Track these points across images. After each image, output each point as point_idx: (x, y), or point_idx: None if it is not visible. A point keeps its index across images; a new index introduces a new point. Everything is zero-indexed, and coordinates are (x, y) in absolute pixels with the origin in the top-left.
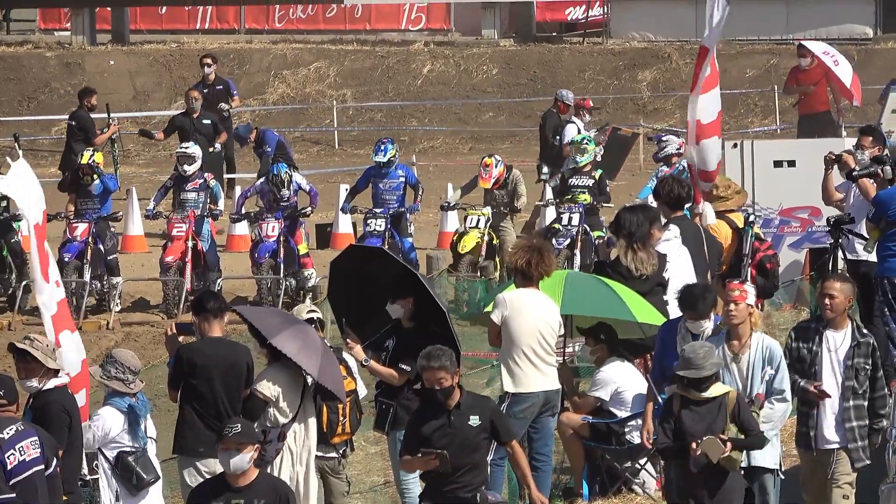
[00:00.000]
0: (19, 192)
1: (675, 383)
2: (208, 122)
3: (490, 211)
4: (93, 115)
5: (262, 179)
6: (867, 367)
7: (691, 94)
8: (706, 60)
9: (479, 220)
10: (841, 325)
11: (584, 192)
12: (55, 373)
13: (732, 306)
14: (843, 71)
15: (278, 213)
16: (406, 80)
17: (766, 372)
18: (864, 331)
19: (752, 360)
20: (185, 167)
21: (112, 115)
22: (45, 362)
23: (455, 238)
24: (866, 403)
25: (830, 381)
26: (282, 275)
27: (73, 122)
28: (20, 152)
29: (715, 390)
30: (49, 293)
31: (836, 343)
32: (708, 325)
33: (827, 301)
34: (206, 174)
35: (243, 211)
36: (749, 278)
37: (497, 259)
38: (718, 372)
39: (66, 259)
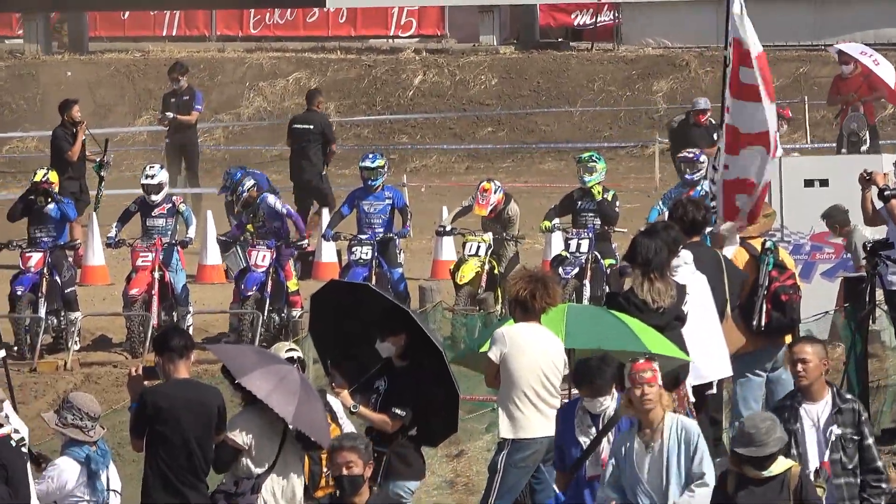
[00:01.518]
0: None
1: (730, 459)
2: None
3: (491, 237)
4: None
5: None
6: (854, 437)
7: (730, 94)
8: (752, 62)
9: (479, 247)
10: (819, 394)
11: (594, 216)
12: None
13: (645, 389)
14: (885, 71)
15: (272, 241)
16: (396, 92)
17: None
18: (847, 396)
19: (668, 445)
20: (152, 196)
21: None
22: None
23: (453, 267)
24: (858, 480)
25: (818, 460)
26: (265, 310)
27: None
28: None
29: (777, 467)
30: None
31: (818, 415)
32: (609, 404)
33: (799, 367)
34: (174, 198)
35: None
36: (764, 312)
37: (499, 290)
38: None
39: (19, 293)
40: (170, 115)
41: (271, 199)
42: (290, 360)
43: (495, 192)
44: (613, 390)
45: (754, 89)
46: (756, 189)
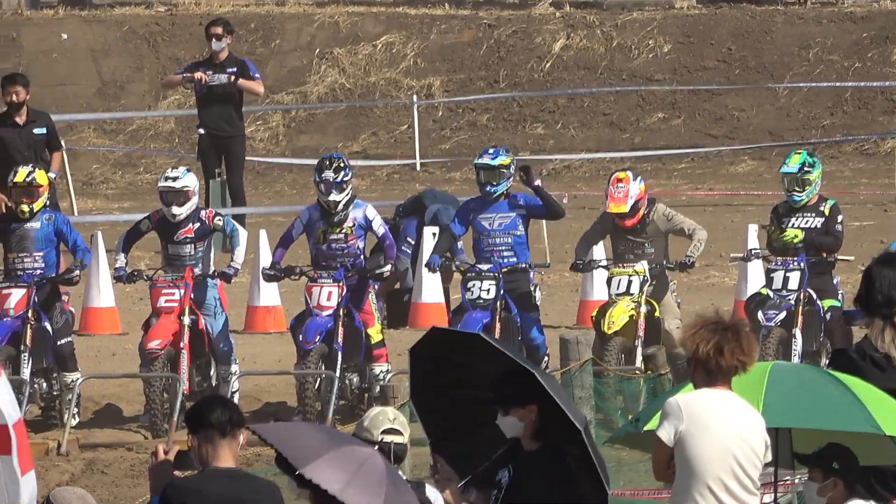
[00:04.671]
0: None
1: None
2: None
3: (647, 267)
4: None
5: (311, 206)
6: None
7: None
8: None
9: (630, 283)
10: None
11: (798, 234)
12: None
13: None
14: None
15: (339, 272)
16: (527, 63)
17: None
18: None
19: None
20: (174, 209)
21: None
22: None
23: (596, 313)
24: None
25: None
26: (338, 370)
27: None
28: None
29: None
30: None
31: None
32: None
33: None
34: (203, 212)
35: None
36: None
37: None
38: None
39: None
40: (212, 76)
41: (371, 211)
42: (381, 445)
43: (635, 181)
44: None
45: None
46: None
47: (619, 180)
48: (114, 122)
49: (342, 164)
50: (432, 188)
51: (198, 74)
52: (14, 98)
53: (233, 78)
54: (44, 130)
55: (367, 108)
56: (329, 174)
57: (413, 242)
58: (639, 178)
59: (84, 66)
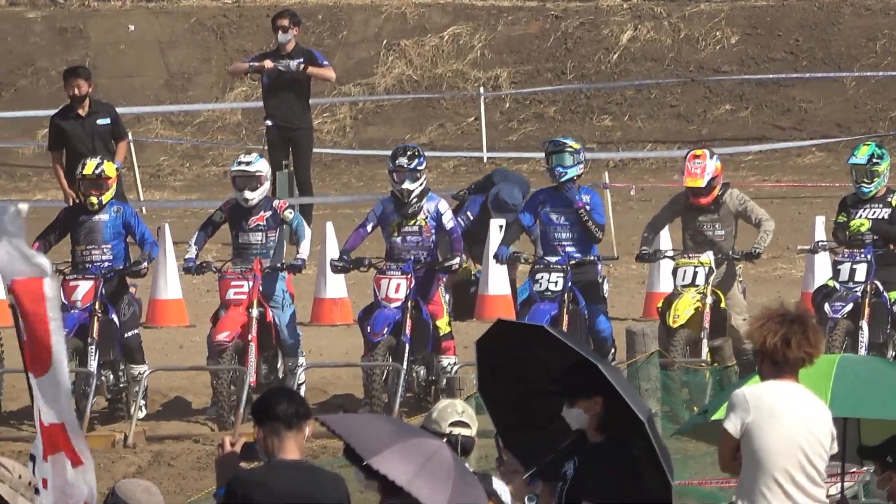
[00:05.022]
0: None
1: None
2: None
3: (712, 258)
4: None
5: (385, 198)
6: None
7: None
8: None
9: (696, 274)
10: None
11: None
12: None
13: None
14: None
15: (407, 264)
16: (594, 55)
17: None
18: None
19: None
20: (247, 193)
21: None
22: (11, 501)
23: (661, 304)
24: None
25: None
26: (405, 362)
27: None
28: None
29: None
30: (47, 390)
31: None
32: None
33: None
34: (276, 202)
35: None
36: None
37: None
38: None
39: None
40: (281, 62)
41: (444, 205)
42: (449, 437)
43: (711, 158)
44: None
45: None
46: None
47: (696, 156)
48: (181, 113)
49: (417, 153)
50: (504, 168)
51: (266, 63)
52: (76, 91)
53: (301, 66)
54: (108, 121)
55: (434, 100)
56: (403, 160)
57: (472, 218)
58: (714, 156)
59: (151, 58)
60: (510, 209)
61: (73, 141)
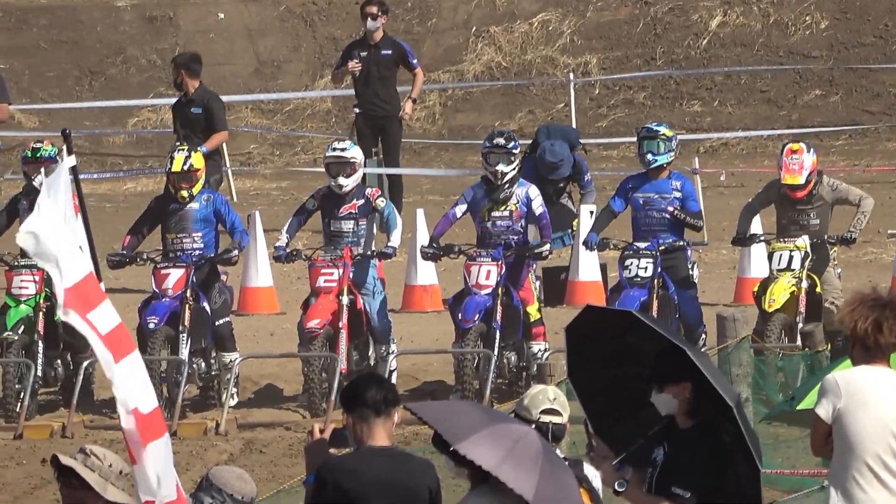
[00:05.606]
0: (44, 227)
1: None
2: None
3: (808, 242)
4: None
5: (475, 185)
6: None
7: None
8: None
9: (791, 258)
10: None
11: None
12: None
13: None
14: None
15: (498, 250)
16: (684, 40)
17: None
18: None
19: None
20: (341, 179)
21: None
22: (101, 491)
23: (757, 289)
24: None
25: None
26: (496, 348)
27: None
28: (70, 158)
29: None
30: (123, 378)
31: None
32: None
33: None
34: (368, 190)
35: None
36: None
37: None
38: None
39: (152, 326)
40: (356, 63)
41: (534, 191)
42: (539, 425)
43: (808, 152)
44: None
45: None
46: None
47: (794, 151)
48: (270, 102)
49: (512, 136)
50: (550, 124)
51: (350, 65)
52: (178, 78)
53: (390, 52)
54: (199, 111)
55: (523, 87)
56: (500, 140)
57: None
58: (811, 149)
59: (241, 46)
60: (557, 166)
61: (175, 126)
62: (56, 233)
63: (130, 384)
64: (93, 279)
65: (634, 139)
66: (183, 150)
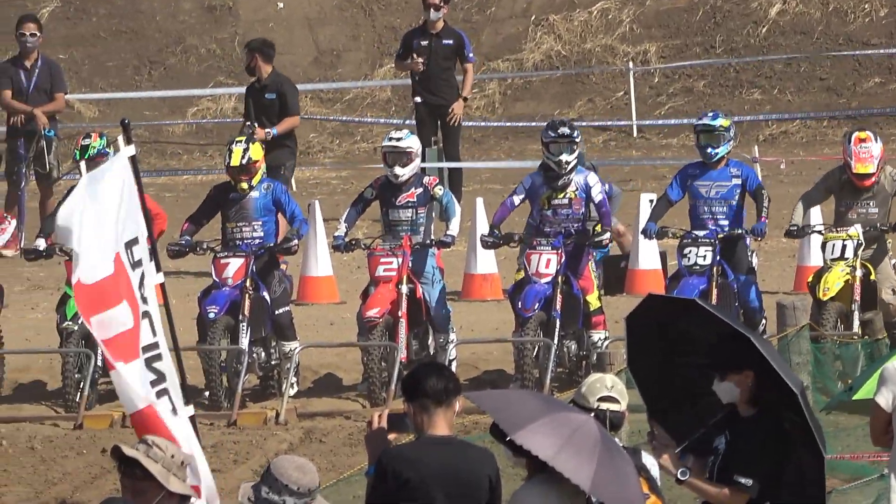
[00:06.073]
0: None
1: None
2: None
3: (860, 231)
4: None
5: (534, 172)
6: None
7: None
8: None
9: (844, 247)
10: None
11: None
12: (182, 500)
13: None
14: None
15: (558, 239)
16: (743, 28)
17: None
18: None
19: None
20: (397, 169)
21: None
22: (164, 482)
23: (812, 278)
24: None
25: None
26: (556, 337)
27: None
28: (129, 147)
29: None
30: (130, 374)
31: None
32: None
33: None
34: (426, 178)
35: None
36: None
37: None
38: None
39: (212, 315)
40: (419, 61)
41: (593, 178)
42: (597, 413)
43: (876, 142)
44: None
45: None
46: None
47: (862, 140)
48: (330, 91)
49: (573, 126)
50: None
51: (412, 63)
52: (252, 63)
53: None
54: (273, 96)
55: (582, 75)
56: (564, 129)
57: None
58: (877, 138)
59: (300, 35)
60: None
61: (248, 110)
62: (91, 225)
63: (129, 387)
64: (113, 282)
65: (694, 125)
66: (241, 142)
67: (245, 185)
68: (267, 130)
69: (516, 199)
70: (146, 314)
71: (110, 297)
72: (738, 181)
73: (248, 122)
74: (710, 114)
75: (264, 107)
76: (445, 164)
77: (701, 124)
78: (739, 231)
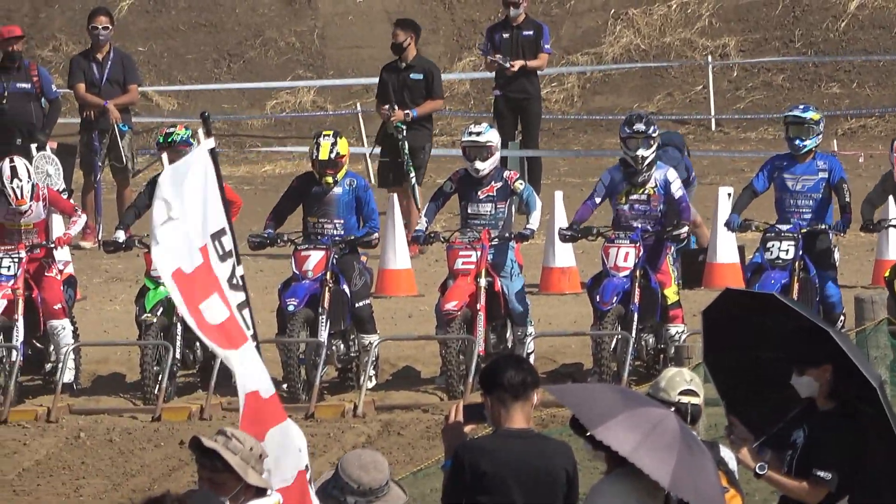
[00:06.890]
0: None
1: None
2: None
3: None
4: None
5: (613, 167)
6: None
7: None
8: None
9: None
10: None
11: None
12: (258, 493)
13: None
14: None
15: (635, 233)
16: (822, 23)
17: None
18: None
19: None
20: (477, 163)
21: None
22: (242, 474)
23: (889, 273)
24: None
25: None
26: (633, 331)
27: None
28: (208, 140)
29: None
30: (237, 364)
31: None
32: None
33: None
34: (506, 172)
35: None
36: None
37: None
38: None
39: (292, 308)
40: (499, 57)
41: (672, 174)
42: (678, 406)
43: None
44: None
45: None
46: None
47: None
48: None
49: (651, 121)
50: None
51: (492, 61)
52: (395, 40)
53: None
54: (420, 76)
55: (661, 69)
56: (641, 126)
57: None
58: None
59: (380, 29)
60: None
61: (387, 89)
62: (180, 217)
63: (246, 370)
64: (206, 269)
65: (771, 120)
66: (328, 136)
67: (330, 180)
68: (406, 112)
69: (597, 199)
70: (241, 305)
71: (207, 286)
72: (825, 175)
73: (388, 105)
74: (801, 106)
75: (408, 87)
76: (525, 153)
77: (791, 116)
78: (823, 226)
